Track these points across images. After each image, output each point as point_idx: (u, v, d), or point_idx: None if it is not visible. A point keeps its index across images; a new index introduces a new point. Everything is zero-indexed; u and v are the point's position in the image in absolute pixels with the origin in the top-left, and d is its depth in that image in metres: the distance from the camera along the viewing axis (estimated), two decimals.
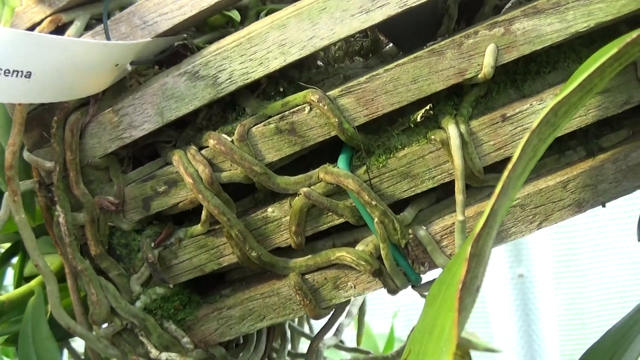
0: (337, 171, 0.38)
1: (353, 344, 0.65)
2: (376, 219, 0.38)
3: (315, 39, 0.38)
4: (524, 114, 0.38)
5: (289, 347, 0.48)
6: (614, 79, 0.38)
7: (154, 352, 0.42)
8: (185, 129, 0.43)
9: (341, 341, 0.61)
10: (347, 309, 0.61)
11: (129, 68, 0.42)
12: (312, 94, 0.38)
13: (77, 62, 0.38)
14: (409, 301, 1.62)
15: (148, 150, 0.44)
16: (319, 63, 0.44)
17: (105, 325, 0.43)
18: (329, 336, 0.55)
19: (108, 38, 0.41)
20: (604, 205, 0.42)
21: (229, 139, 0.40)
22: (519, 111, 0.38)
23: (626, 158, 0.39)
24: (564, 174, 0.39)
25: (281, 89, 0.41)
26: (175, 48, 0.43)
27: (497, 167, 0.41)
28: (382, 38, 0.46)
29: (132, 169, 0.43)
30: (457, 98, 0.40)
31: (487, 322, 1.51)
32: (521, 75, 0.40)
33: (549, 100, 0.38)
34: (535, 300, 1.42)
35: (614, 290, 1.44)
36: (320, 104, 0.38)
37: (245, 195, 0.42)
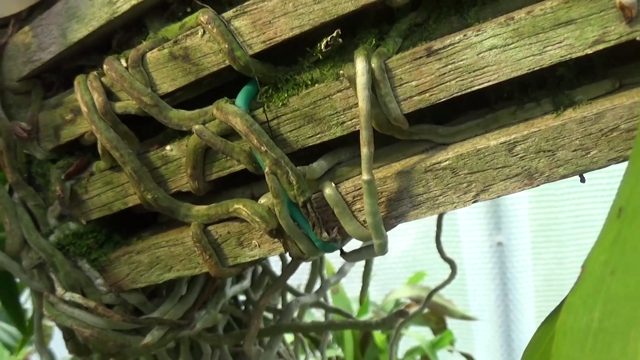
0: (228, 107, 0.32)
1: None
2: (266, 169, 0.32)
3: None
4: (455, 48, 0.29)
5: (223, 303, 0.43)
6: (583, 4, 0.27)
7: (59, 291, 0.39)
8: (108, 53, 0.39)
9: (324, 299, 0.55)
10: (322, 265, 0.55)
11: None
12: (202, 15, 0.32)
13: None
14: (386, 265, 1.55)
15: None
16: None
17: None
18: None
19: None
20: (582, 180, 0.31)
21: (124, 65, 0.35)
22: (449, 44, 0.29)
23: (599, 119, 0.28)
24: (512, 132, 0.29)
25: (189, 9, 0.35)
26: None
27: (434, 116, 0.32)
28: None
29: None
30: (387, 25, 0.31)
31: (465, 290, 1.46)
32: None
33: (490, 30, 0.28)
34: (513, 269, 1.38)
35: None
36: (209, 26, 0.32)
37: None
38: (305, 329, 0.53)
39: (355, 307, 1.26)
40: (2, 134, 0.39)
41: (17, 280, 0.54)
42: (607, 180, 1.20)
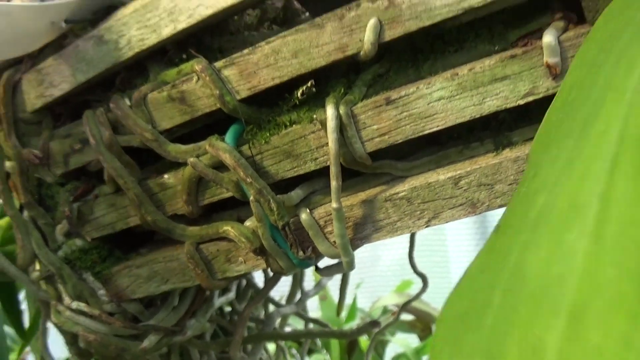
0: (218, 144, 0.37)
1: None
2: (251, 197, 0.37)
3: (201, 7, 0.37)
4: (410, 98, 0.34)
5: (211, 312, 0.49)
6: (515, 63, 0.33)
7: (66, 300, 0.44)
8: (112, 90, 0.44)
9: (304, 310, 0.61)
10: (304, 278, 0.60)
11: (64, 26, 0.44)
12: (197, 64, 0.37)
13: (14, 22, 0.40)
14: (376, 273, 1.60)
15: (85, 108, 0.45)
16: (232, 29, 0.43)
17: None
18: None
19: None
20: None
21: (128, 103, 0.40)
22: (404, 94, 0.34)
23: None
24: (458, 168, 0.35)
25: (184, 56, 0.40)
26: (107, 8, 0.44)
27: (394, 153, 0.37)
28: (298, 6, 0.43)
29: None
30: (354, 75, 0.37)
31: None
32: (426, 53, 0.36)
33: (438, 84, 0.34)
34: None
35: None
36: (203, 74, 0.37)
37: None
38: (285, 337, 0.58)
39: (343, 313, 1.31)
40: (16, 159, 0.44)
41: None
42: None
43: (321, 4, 0.40)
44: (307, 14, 0.43)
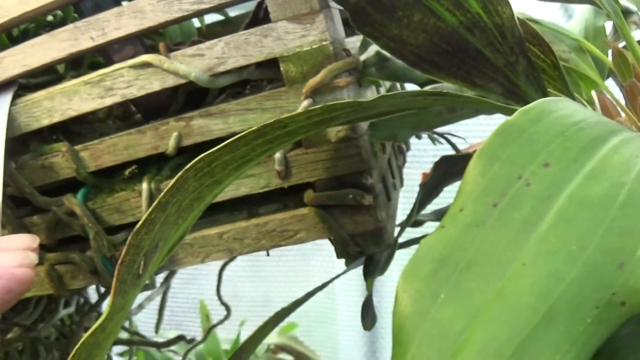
0: (72, 199, 0.57)
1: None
2: (92, 236, 0.57)
3: (70, 110, 0.57)
4: None
5: (56, 319, 0.67)
6: (259, 167, 0.55)
7: None
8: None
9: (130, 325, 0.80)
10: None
11: None
12: (63, 146, 0.57)
13: None
14: (262, 312, 1.80)
15: None
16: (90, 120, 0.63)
17: None
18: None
19: None
20: (267, 254, 0.58)
21: (14, 166, 0.59)
22: None
23: (266, 224, 0.55)
24: (223, 227, 0.56)
25: (54, 137, 0.60)
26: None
27: None
28: (133, 109, 0.64)
29: None
30: (164, 162, 0.58)
31: (336, 344, 1.66)
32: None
33: None
34: (382, 330, 1.57)
35: None
36: (66, 153, 0.57)
37: None
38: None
39: (226, 346, 1.45)
40: None
41: None
42: None
43: (143, 114, 0.61)
44: (139, 115, 0.64)
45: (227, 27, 0.79)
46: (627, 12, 0.73)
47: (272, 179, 0.55)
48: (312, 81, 0.51)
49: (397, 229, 0.60)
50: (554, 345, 0.22)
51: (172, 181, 0.34)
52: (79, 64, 0.68)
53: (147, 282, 0.59)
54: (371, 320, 0.56)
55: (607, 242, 0.24)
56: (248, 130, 0.37)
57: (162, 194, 0.34)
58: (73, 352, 0.33)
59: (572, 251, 0.24)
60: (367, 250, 0.55)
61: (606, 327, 0.23)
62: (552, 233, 0.25)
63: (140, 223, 0.33)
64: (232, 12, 0.78)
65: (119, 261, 0.32)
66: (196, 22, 0.77)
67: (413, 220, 0.59)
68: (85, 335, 0.33)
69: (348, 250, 0.55)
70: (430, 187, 0.59)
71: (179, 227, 0.42)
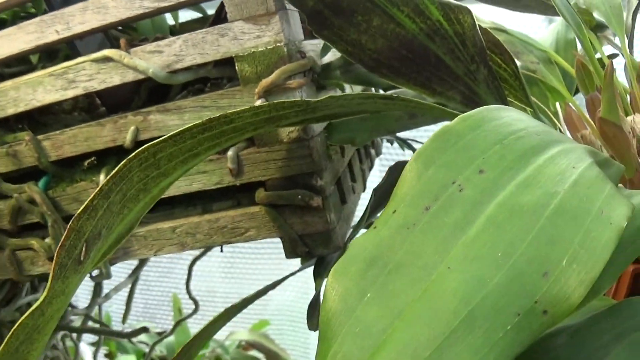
0: (33, 187, 0.59)
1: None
2: (50, 223, 0.58)
3: (34, 100, 0.58)
4: None
5: (20, 304, 0.68)
6: (212, 164, 0.56)
7: None
8: None
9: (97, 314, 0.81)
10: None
11: None
12: (27, 135, 0.59)
13: None
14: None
15: None
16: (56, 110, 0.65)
17: None
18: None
19: None
20: (221, 250, 0.60)
21: None
22: None
23: (218, 221, 0.56)
24: (177, 221, 0.57)
25: (20, 126, 0.61)
26: None
27: None
28: (98, 102, 0.65)
29: None
30: (123, 155, 0.59)
31: (307, 343, 1.66)
32: None
33: None
34: None
35: None
36: (29, 142, 0.58)
37: None
38: (72, 330, 0.77)
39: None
40: None
41: None
42: None
43: (107, 107, 0.62)
44: (104, 108, 0.65)
45: (205, 24, 0.80)
46: (600, 27, 0.73)
47: (225, 176, 0.56)
48: (265, 81, 0.52)
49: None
50: (473, 349, 0.23)
51: (116, 169, 0.35)
52: (55, 56, 0.70)
53: (98, 271, 0.60)
54: (317, 321, 0.57)
55: (533, 250, 0.24)
56: (193, 124, 0.36)
57: (104, 180, 0.34)
58: (10, 333, 0.33)
59: (497, 257, 0.24)
60: (315, 251, 0.56)
61: (527, 335, 0.23)
62: (480, 239, 0.25)
63: (81, 208, 0.33)
64: (210, 10, 0.79)
65: (59, 244, 0.32)
66: (171, 20, 0.78)
67: (366, 223, 0.60)
68: (23, 317, 0.34)
69: (297, 250, 0.56)
70: (384, 191, 0.59)
71: (124, 217, 0.43)
